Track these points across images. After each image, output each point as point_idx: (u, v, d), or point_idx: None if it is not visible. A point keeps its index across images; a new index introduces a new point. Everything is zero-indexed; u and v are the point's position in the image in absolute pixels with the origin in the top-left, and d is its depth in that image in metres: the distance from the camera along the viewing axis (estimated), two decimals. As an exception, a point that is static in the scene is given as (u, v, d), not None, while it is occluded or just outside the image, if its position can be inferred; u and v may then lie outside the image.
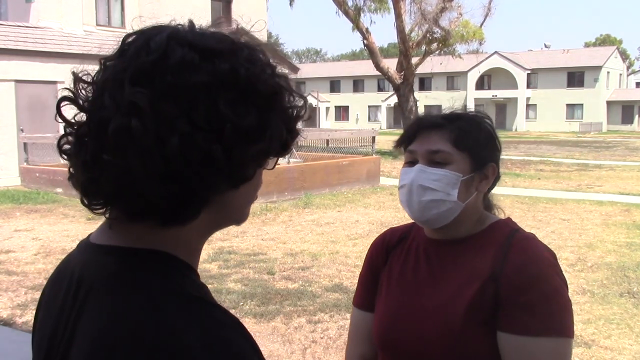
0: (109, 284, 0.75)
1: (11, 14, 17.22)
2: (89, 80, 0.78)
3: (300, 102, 0.83)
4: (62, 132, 0.79)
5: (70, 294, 0.79)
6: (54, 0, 17.24)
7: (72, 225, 9.60)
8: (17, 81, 15.68)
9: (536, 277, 1.27)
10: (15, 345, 4.76)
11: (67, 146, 0.78)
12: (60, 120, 0.78)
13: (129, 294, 0.73)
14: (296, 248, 7.99)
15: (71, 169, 0.78)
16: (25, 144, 14.35)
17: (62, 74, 16.27)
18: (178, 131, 0.70)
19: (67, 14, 17.47)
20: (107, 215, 0.78)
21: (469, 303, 1.30)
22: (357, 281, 1.61)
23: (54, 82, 16.28)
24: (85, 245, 0.83)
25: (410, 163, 1.41)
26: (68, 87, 0.78)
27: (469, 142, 1.37)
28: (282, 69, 0.82)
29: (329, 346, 4.68)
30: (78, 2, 17.62)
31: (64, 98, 0.78)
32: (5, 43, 15.51)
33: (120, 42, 0.78)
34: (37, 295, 5.83)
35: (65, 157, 0.78)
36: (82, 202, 0.77)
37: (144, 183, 0.71)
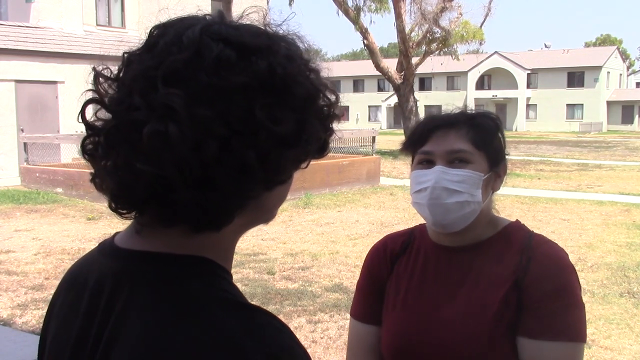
0: (152, 293, 0.71)
1: (11, 14, 17.22)
2: (109, 75, 0.73)
3: (333, 98, 0.78)
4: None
5: (101, 301, 0.74)
6: (54, 0, 17.25)
7: (72, 225, 9.58)
8: (17, 81, 15.68)
9: (562, 285, 1.28)
10: (15, 345, 4.76)
11: (90, 146, 0.73)
12: (82, 123, 0.74)
13: (177, 303, 0.70)
14: (296, 248, 7.98)
15: (95, 171, 0.74)
16: (25, 144, 14.33)
17: (62, 74, 16.28)
18: (215, 135, 0.67)
19: (67, 14, 17.48)
20: (136, 220, 0.74)
21: (495, 311, 1.28)
22: (357, 282, 1.54)
23: (54, 82, 16.29)
24: (112, 250, 0.78)
25: (425, 165, 1.35)
26: (91, 87, 0.74)
27: (486, 141, 1.35)
28: (316, 63, 0.77)
29: (329, 346, 4.68)
30: (78, 2, 17.62)
31: (90, 100, 0.73)
32: (5, 43, 15.52)
33: (147, 35, 0.73)
34: (37, 295, 5.86)
35: (88, 158, 0.74)
36: (110, 207, 0.73)
37: (179, 190, 0.67)
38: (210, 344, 0.66)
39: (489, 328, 1.28)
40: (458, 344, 1.29)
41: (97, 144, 0.73)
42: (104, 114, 0.72)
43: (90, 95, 0.74)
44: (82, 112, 0.74)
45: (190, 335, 0.67)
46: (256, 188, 0.72)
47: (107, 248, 0.79)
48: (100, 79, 0.73)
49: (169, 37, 0.71)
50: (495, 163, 1.36)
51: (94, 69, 0.74)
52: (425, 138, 1.36)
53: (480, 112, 1.42)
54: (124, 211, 0.73)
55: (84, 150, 0.74)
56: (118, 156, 0.69)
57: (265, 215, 0.80)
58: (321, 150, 0.79)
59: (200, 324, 0.68)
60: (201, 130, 0.66)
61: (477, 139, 1.34)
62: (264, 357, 0.67)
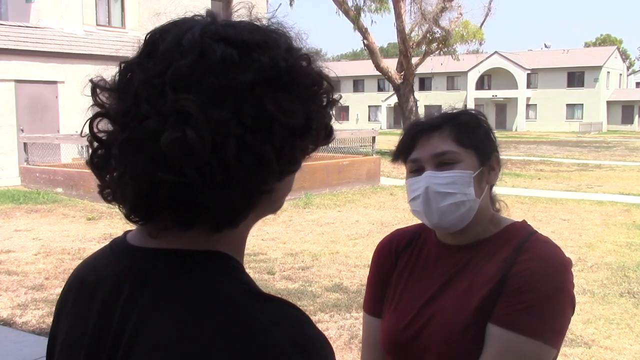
0: (177, 288, 0.72)
1: (11, 14, 17.21)
2: (106, 86, 0.73)
3: (325, 84, 0.78)
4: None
5: (120, 299, 0.74)
6: (54, 0, 17.24)
7: (72, 225, 9.58)
8: (17, 81, 15.67)
9: (549, 288, 1.24)
10: (15, 345, 4.76)
11: (97, 159, 0.73)
12: (93, 139, 0.73)
13: (203, 296, 0.70)
14: (296, 248, 7.98)
15: (104, 183, 0.74)
16: (25, 144, 14.33)
17: (62, 74, 16.26)
18: (233, 135, 0.67)
19: (67, 14, 17.47)
20: (151, 225, 0.74)
21: (476, 307, 1.28)
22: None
23: (54, 82, 16.28)
24: (126, 249, 0.78)
25: (416, 172, 1.36)
26: (96, 101, 0.74)
27: (471, 138, 1.35)
28: (307, 48, 0.78)
29: (329, 346, 4.68)
30: (78, 2, 17.61)
31: (97, 115, 0.73)
32: (5, 43, 15.51)
33: (142, 42, 0.73)
34: (37, 295, 5.87)
35: (97, 171, 0.74)
36: (128, 218, 0.74)
37: (203, 193, 0.68)
38: (241, 333, 0.68)
39: (466, 323, 1.28)
40: (435, 334, 1.31)
41: (105, 157, 0.73)
42: (103, 125, 0.72)
43: (90, 109, 0.74)
44: (91, 127, 0.74)
45: (221, 326, 0.68)
46: (271, 181, 0.73)
47: (120, 246, 0.80)
48: (98, 90, 0.73)
49: (168, 42, 0.71)
50: (485, 157, 1.36)
51: (91, 80, 0.74)
52: (411, 145, 1.37)
53: (461, 111, 1.42)
54: (139, 219, 0.73)
55: (93, 164, 0.74)
56: (134, 167, 0.69)
57: (274, 205, 0.82)
58: (328, 136, 0.80)
59: (230, 315, 0.69)
60: (219, 131, 0.67)
61: (461, 137, 1.34)
62: (291, 345, 0.68)
